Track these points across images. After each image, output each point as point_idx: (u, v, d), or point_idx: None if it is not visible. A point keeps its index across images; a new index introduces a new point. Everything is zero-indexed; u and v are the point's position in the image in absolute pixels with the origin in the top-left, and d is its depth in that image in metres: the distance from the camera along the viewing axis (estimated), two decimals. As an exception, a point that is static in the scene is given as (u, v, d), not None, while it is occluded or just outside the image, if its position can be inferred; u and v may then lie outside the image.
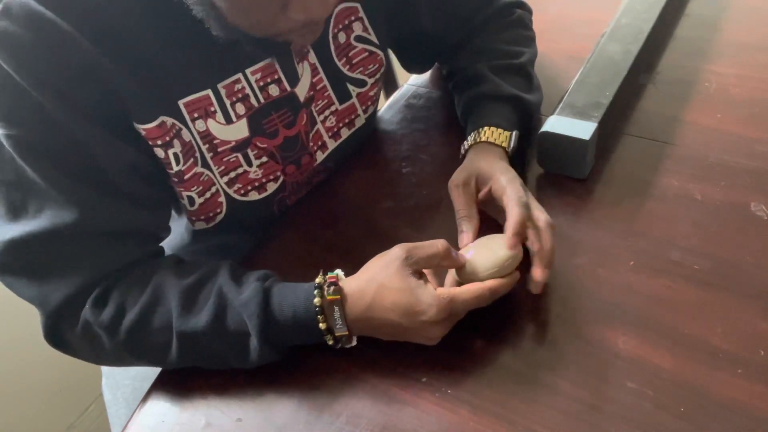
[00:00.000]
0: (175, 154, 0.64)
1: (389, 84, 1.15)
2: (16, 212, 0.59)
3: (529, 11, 0.89)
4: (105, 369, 0.90)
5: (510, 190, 0.65)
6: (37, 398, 1.34)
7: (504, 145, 0.73)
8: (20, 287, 0.61)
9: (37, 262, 0.60)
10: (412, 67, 0.92)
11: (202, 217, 0.71)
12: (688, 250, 0.66)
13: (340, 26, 0.74)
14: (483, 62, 0.80)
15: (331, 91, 0.75)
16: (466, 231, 0.67)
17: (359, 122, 0.80)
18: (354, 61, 0.76)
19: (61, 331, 0.62)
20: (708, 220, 0.69)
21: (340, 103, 0.77)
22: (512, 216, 0.62)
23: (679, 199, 0.72)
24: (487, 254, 0.62)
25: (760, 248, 0.65)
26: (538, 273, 0.61)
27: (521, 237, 0.62)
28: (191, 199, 0.68)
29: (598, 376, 0.58)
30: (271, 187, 0.74)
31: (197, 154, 0.66)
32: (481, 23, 0.84)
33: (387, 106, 0.95)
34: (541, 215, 0.64)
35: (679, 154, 0.77)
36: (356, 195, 0.81)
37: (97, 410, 1.39)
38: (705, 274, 0.64)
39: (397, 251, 0.60)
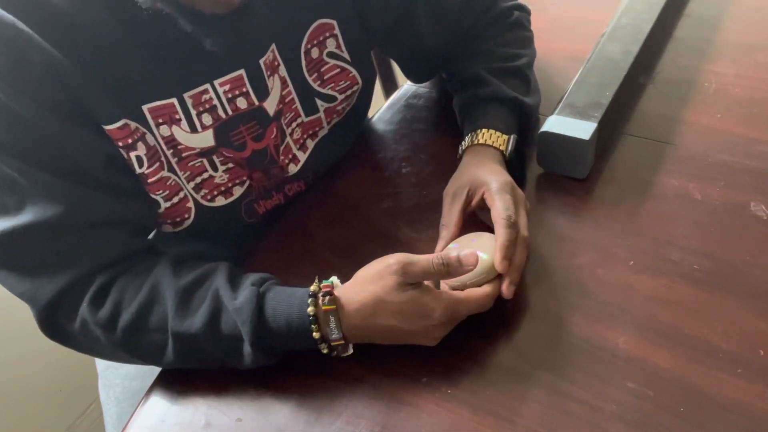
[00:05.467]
0: (138, 157, 0.64)
1: (389, 84, 1.15)
2: None
3: (528, 12, 0.89)
4: (100, 369, 0.90)
5: (499, 204, 0.64)
6: (37, 399, 1.34)
7: (501, 148, 0.73)
8: (11, 283, 0.61)
9: (25, 257, 0.60)
10: (414, 78, 0.92)
11: (168, 221, 0.71)
12: (688, 250, 0.66)
13: (315, 42, 0.73)
14: (481, 65, 0.80)
15: (298, 104, 0.75)
16: (441, 239, 0.68)
17: (322, 133, 0.80)
18: (326, 77, 0.76)
19: (57, 324, 0.63)
20: (708, 220, 0.69)
21: (306, 116, 0.76)
22: (500, 237, 0.62)
23: (679, 199, 0.72)
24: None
25: (760, 248, 0.65)
26: (504, 289, 0.61)
27: (510, 258, 0.61)
28: (157, 203, 0.68)
29: (598, 376, 0.58)
30: (237, 191, 0.73)
31: (163, 159, 0.66)
32: (480, 28, 0.84)
33: (387, 106, 0.94)
34: (521, 231, 0.64)
35: (679, 154, 0.77)
36: (356, 195, 0.81)
37: (96, 411, 1.39)
38: (705, 274, 0.64)
39: (391, 270, 0.59)
